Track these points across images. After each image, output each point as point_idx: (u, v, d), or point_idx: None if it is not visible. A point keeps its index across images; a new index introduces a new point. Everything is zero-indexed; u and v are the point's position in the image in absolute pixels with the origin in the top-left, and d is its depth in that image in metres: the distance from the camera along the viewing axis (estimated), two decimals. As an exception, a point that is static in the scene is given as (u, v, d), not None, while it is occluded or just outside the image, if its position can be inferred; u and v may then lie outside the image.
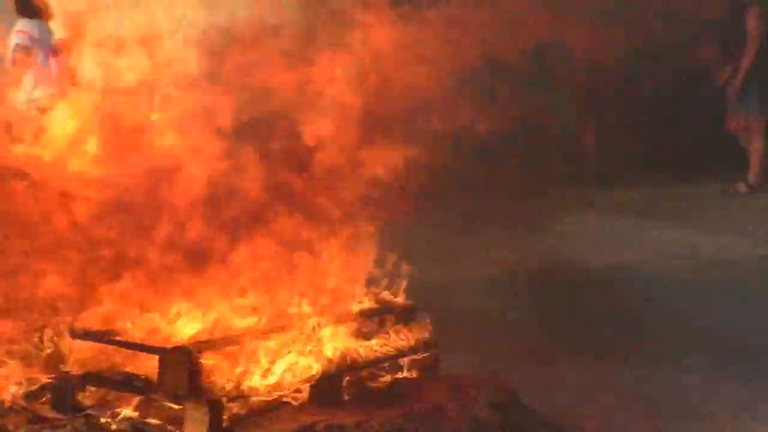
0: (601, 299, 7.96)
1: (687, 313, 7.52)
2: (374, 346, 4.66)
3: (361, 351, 4.61)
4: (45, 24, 9.86)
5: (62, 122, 4.82)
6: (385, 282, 5.00)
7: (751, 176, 12.19)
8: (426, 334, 4.81)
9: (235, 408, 4.22)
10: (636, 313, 7.61)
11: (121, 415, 4.14)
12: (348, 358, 4.49)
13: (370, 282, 4.95)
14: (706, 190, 12.28)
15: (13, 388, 4.18)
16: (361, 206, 4.98)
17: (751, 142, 12.22)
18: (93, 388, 4.30)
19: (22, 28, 9.73)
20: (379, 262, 4.94)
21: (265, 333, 4.38)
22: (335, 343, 4.52)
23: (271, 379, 4.27)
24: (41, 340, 4.27)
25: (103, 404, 4.26)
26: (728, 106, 12.29)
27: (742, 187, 12.16)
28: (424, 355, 4.80)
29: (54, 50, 9.40)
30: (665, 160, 13.27)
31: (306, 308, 4.55)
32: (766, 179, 12.20)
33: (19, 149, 4.66)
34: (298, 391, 4.37)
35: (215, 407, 4.05)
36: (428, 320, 4.86)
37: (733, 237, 10.10)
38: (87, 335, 4.27)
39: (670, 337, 7.08)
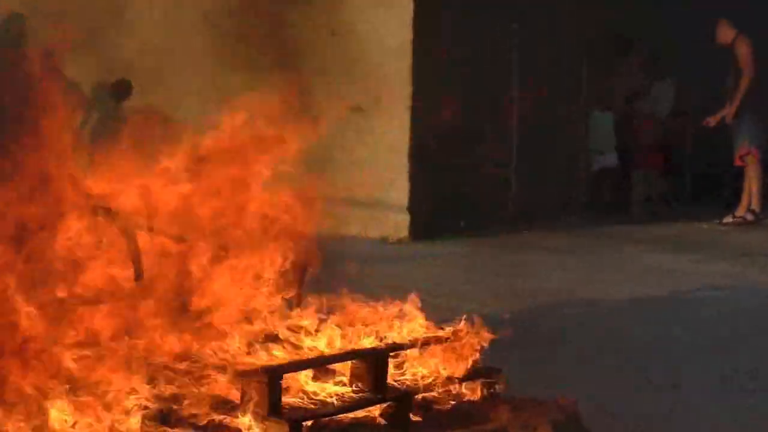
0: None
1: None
2: (439, 370, 4.90)
3: (427, 374, 4.85)
4: None
5: None
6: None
7: (755, 204, 12.52)
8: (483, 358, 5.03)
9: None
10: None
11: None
12: (417, 381, 4.73)
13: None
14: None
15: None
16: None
17: (747, 171, 12.57)
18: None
19: None
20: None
21: (340, 355, 4.62)
22: (404, 365, 4.77)
23: (347, 401, 4.51)
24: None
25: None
26: (734, 143, 12.66)
27: (749, 216, 12.48)
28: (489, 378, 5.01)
29: None
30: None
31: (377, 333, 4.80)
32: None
33: None
34: (370, 412, 4.61)
35: (296, 427, 4.28)
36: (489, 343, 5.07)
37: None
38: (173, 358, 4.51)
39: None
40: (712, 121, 12.89)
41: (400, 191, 11.42)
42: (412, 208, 11.45)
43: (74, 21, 11.56)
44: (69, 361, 4.49)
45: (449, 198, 11.59)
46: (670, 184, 14.08)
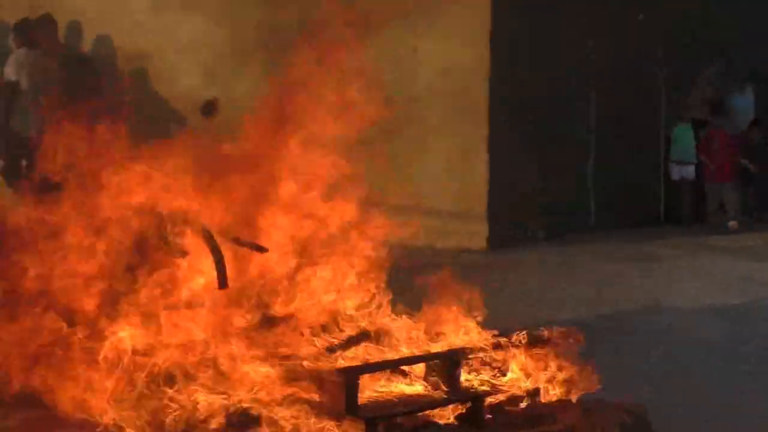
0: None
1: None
2: (514, 373, 5.09)
3: (501, 376, 5.05)
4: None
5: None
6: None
7: None
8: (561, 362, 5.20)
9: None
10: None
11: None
12: (490, 383, 4.92)
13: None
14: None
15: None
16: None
17: None
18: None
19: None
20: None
21: (415, 358, 4.84)
22: (480, 369, 4.98)
23: (421, 401, 4.72)
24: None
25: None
26: None
27: None
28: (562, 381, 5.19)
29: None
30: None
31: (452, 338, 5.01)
32: None
33: None
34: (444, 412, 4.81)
35: (372, 426, 4.49)
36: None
37: None
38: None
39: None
40: None
41: (478, 201, 11.56)
42: (491, 218, 11.58)
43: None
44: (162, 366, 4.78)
45: (527, 208, 11.70)
46: (750, 194, 14.03)
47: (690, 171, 13.80)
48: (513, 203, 11.62)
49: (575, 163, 12.64)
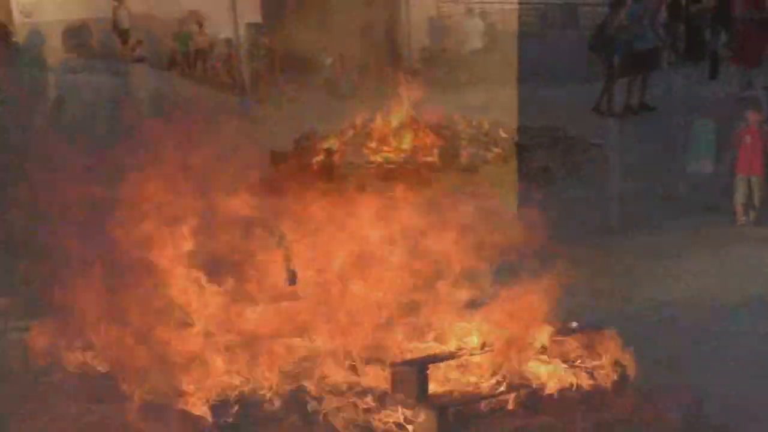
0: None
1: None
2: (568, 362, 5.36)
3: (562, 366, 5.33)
4: None
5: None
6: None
7: None
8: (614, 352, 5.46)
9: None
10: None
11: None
12: (549, 372, 5.20)
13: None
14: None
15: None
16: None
17: None
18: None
19: None
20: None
21: (478, 348, 5.12)
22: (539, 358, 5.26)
23: (486, 389, 5.00)
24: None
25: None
26: None
27: None
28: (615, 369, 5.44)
29: None
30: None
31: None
32: None
33: None
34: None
35: (442, 413, 4.76)
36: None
37: None
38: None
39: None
40: None
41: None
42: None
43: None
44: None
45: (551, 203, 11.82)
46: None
47: (708, 165, 13.93)
48: (538, 198, 11.75)
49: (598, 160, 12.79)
